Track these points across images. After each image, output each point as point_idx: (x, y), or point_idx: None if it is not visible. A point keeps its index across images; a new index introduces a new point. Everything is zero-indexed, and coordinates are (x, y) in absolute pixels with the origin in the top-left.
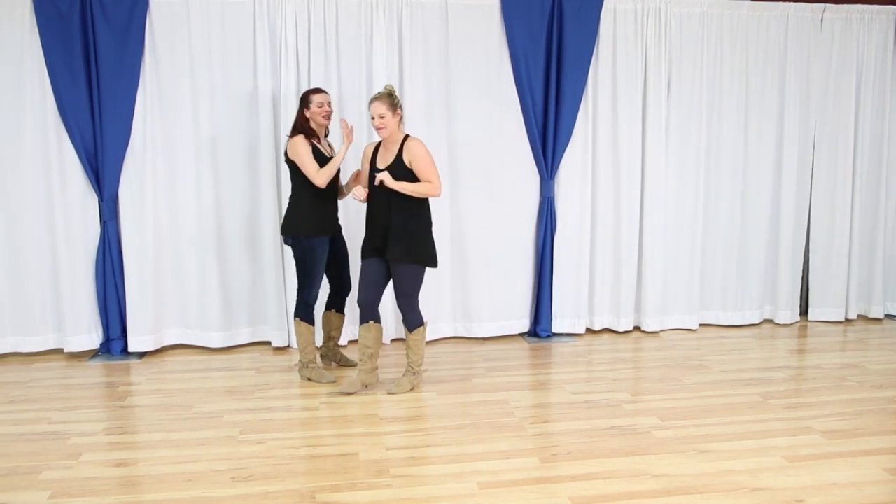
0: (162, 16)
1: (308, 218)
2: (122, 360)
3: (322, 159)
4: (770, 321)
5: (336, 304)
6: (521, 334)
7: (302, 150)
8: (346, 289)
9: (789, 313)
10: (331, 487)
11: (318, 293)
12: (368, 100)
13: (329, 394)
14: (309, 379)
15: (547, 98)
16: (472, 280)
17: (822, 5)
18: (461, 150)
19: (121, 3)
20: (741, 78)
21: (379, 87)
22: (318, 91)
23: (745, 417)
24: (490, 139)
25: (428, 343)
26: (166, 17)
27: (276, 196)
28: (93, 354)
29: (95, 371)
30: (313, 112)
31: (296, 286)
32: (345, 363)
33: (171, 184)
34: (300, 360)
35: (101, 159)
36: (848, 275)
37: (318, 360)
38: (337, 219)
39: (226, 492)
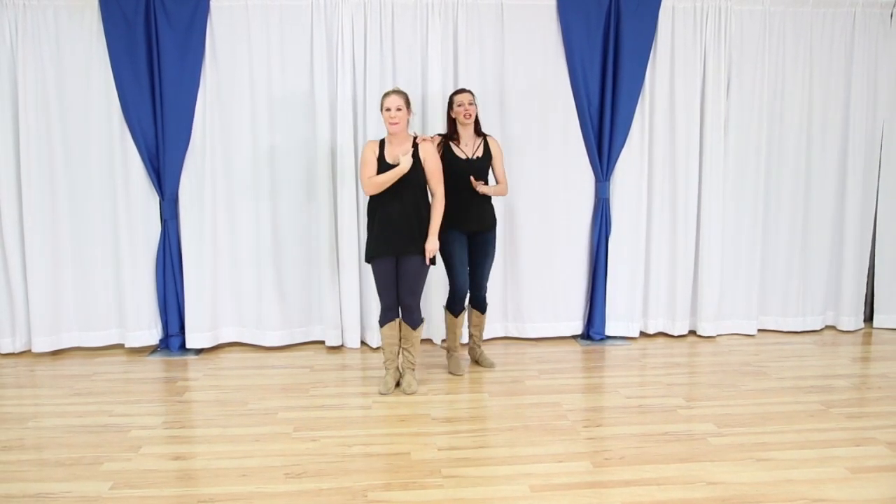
0: (222, 19)
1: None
2: (179, 356)
3: (452, 162)
4: (832, 327)
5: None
6: (574, 336)
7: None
8: (473, 287)
9: (853, 319)
10: (382, 486)
11: (462, 285)
12: (385, 94)
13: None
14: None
15: (603, 99)
16: (524, 280)
17: (893, 1)
18: (515, 150)
19: (183, 7)
20: (804, 77)
21: (434, 88)
22: (458, 92)
23: (805, 426)
24: (544, 140)
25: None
26: (226, 20)
27: (331, 196)
28: (152, 350)
29: (154, 366)
30: (455, 112)
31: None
32: (485, 363)
33: (229, 184)
34: (446, 346)
35: (163, 159)
36: None
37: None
38: (473, 216)
39: (279, 487)
